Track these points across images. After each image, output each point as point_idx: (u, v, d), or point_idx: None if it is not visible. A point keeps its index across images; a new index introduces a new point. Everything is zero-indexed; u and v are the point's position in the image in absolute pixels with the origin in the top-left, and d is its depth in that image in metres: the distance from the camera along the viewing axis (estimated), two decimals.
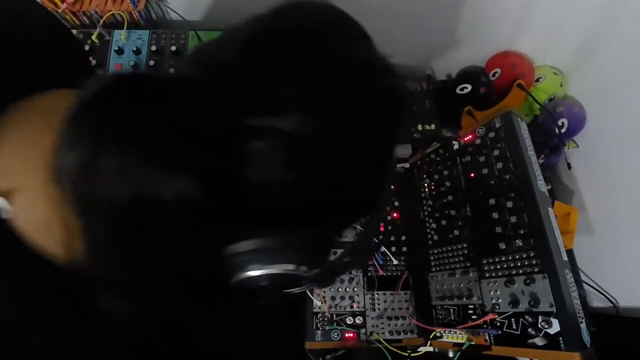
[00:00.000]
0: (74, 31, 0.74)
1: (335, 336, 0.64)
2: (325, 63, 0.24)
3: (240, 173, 0.23)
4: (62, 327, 0.27)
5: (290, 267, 0.27)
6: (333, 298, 0.66)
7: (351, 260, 0.36)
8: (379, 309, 0.67)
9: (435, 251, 0.68)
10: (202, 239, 0.25)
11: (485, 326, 0.56)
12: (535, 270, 0.52)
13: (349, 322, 0.65)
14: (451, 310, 0.62)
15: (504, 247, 0.56)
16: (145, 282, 0.26)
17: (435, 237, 0.69)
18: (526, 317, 0.51)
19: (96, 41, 0.74)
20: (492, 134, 0.62)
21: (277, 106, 0.22)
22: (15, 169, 0.25)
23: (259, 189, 0.23)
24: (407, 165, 0.80)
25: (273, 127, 0.22)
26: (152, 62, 0.73)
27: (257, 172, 0.23)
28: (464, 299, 0.60)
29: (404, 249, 0.72)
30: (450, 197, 0.67)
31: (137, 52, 0.73)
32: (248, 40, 0.25)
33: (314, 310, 0.66)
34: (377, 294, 0.68)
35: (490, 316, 0.55)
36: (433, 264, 0.68)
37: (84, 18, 0.77)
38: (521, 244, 0.54)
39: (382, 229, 0.73)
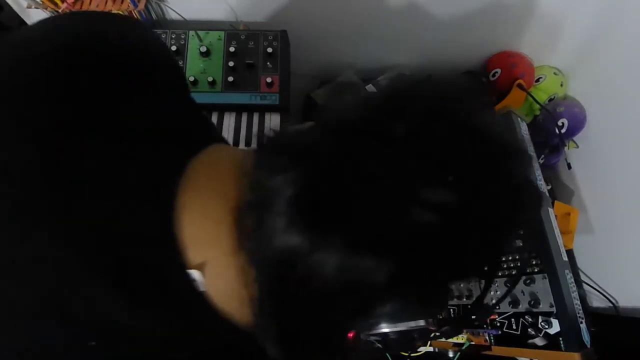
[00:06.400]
0: None
1: None
2: (476, 142, 0.25)
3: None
4: None
5: (422, 323, 0.32)
6: None
7: (476, 317, 0.42)
8: None
9: None
10: (370, 307, 0.26)
11: (485, 326, 0.56)
12: (535, 270, 0.52)
13: None
14: (451, 310, 0.62)
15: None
16: (303, 339, 0.28)
17: None
18: (526, 317, 0.51)
19: None
20: None
21: (442, 181, 0.23)
22: (202, 239, 0.27)
23: (430, 258, 0.25)
24: None
25: (442, 200, 0.23)
26: None
27: (428, 243, 0.24)
28: (464, 299, 0.60)
29: None
30: None
31: None
32: (405, 116, 0.25)
33: None
34: None
35: (491, 316, 0.55)
36: None
37: None
38: (521, 244, 0.54)
39: None
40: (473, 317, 0.43)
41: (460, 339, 0.59)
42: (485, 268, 0.33)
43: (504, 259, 0.55)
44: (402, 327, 0.31)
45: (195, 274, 0.26)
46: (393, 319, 0.29)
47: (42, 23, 0.32)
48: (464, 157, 0.24)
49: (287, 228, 0.23)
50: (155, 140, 0.30)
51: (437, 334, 0.35)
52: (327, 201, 0.24)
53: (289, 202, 0.24)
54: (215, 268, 0.27)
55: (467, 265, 0.28)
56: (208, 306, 0.28)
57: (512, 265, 0.54)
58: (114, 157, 0.28)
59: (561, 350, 0.47)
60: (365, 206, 0.23)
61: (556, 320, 0.48)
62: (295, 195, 0.24)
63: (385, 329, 0.31)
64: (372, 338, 0.32)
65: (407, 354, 0.63)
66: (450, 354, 0.61)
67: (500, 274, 0.56)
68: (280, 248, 0.24)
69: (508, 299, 0.54)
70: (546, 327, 0.49)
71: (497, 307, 0.54)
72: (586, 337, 0.48)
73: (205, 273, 0.27)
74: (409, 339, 0.35)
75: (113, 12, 0.74)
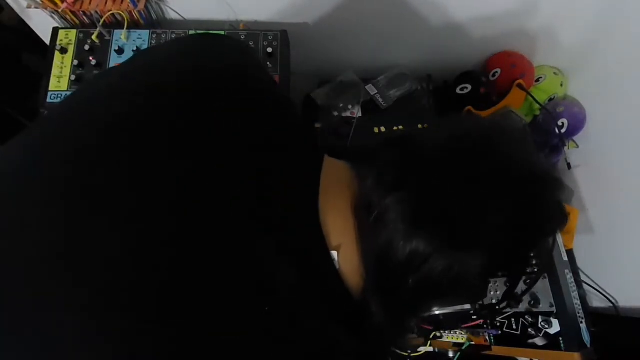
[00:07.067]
0: (74, 31, 0.74)
1: None
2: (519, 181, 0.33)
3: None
4: (347, 332, 0.35)
5: (467, 307, 0.44)
6: None
7: (508, 304, 0.51)
8: None
9: None
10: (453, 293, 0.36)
11: (485, 326, 0.56)
12: (535, 270, 0.52)
13: None
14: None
15: None
16: (392, 314, 0.36)
17: None
18: (526, 317, 0.51)
19: (96, 41, 0.74)
20: None
21: (510, 200, 0.32)
22: (337, 229, 0.34)
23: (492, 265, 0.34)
24: None
25: (506, 212, 0.32)
26: None
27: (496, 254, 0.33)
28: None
29: None
30: None
31: (138, 52, 0.73)
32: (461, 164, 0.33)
33: None
34: None
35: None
36: None
37: (84, 18, 0.77)
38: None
39: None
40: (504, 304, 0.50)
41: (460, 339, 0.59)
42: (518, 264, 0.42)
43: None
44: (450, 310, 0.40)
45: (334, 254, 0.33)
46: (448, 303, 0.40)
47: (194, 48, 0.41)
48: (519, 187, 0.33)
49: (409, 236, 0.30)
50: (298, 145, 0.38)
51: (477, 316, 0.45)
52: (437, 214, 0.31)
53: (406, 215, 0.31)
54: (346, 251, 0.34)
55: (513, 261, 0.38)
56: (341, 282, 0.34)
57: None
58: (275, 164, 0.34)
59: (561, 350, 0.47)
60: (465, 217, 0.31)
61: (556, 320, 0.49)
62: (413, 211, 0.31)
63: (437, 311, 0.40)
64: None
65: (407, 354, 0.63)
66: (450, 354, 0.61)
67: (500, 274, 0.56)
68: (402, 251, 0.30)
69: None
70: (546, 327, 0.49)
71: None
72: (586, 337, 0.48)
73: (339, 254, 0.33)
74: (456, 320, 0.45)
75: (112, 11, 0.74)
